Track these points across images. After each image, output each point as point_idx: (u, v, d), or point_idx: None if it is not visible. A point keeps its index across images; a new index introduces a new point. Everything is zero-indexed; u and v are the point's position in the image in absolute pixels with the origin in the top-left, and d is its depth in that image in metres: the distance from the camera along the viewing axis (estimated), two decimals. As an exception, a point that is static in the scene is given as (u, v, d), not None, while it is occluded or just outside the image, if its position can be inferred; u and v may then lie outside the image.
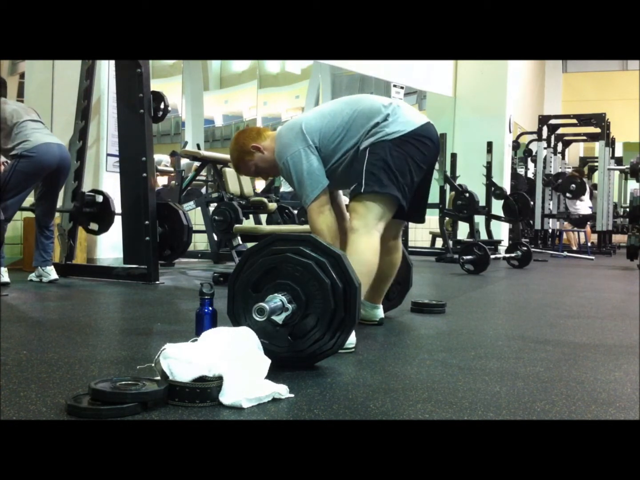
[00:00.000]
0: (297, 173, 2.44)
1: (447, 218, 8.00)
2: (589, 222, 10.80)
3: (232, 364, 1.61)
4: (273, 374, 1.72)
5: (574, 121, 10.77)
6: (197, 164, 5.68)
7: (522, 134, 12.46)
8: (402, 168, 2.40)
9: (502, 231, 9.50)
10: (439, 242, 8.61)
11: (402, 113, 2.46)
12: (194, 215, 5.56)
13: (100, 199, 4.65)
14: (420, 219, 2.74)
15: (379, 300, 2.80)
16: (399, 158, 2.40)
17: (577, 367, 2.15)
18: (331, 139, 2.46)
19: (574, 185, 10.24)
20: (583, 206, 10.83)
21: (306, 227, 4.94)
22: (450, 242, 7.77)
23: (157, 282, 4.31)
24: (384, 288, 2.79)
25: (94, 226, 4.72)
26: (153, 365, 1.64)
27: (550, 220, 10.51)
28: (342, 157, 2.47)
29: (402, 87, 9.32)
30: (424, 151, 2.46)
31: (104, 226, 4.66)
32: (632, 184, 14.59)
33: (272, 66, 10.87)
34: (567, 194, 10.34)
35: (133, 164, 4.35)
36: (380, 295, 2.80)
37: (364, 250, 2.34)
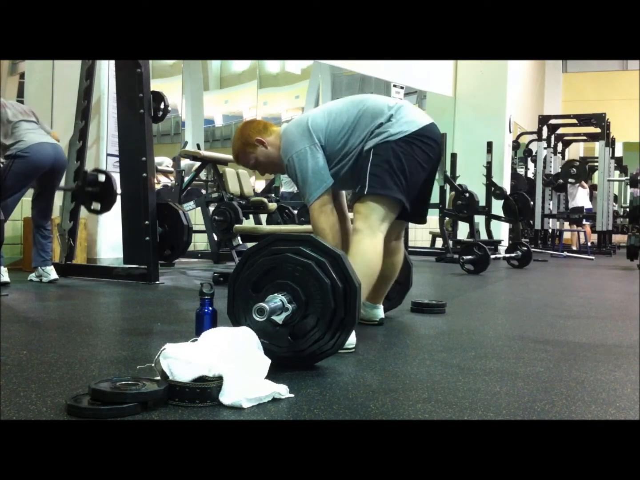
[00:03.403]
0: (302, 171, 2.43)
1: (447, 218, 8.00)
2: (588, 222, 10.80)
3: (232, 364, 1.61)
4: (273, 374, 1.72)
5: (574, 121, 10.78)
6: (197, 164, 5.69)
7: (522, 134, 12.46)
8: (405, 169, 2.40)
9: (502, 231, 9.50)
10: (439, 242, 8.61)
11: (405, 113, 2.45)
12: (194, 215, 5.56)
13: (102, 178, 4.61)
14: (422, 220, 2.70)
15: (379, 300, 2.80)
16: (402, 159, 2.39)
17: (577, 367, 2.15)
18: (337, 139, 2.46)
19: (574, 169, 10.19)
20: (582, 197, 10.81)
21: (306, 227, 4.96)
22: (450, 242, 7.77)
23: (157, 282, 4.31)
24: (385, 289, 2.79)
25: (96, 206, 4.67)
26: (153, 365, 1.64)
27: (550, 220, 10.51)
28: (346, 157, 2.46)
29: (402, 87, 9.32)
30: (427, 151, 2.46)
31: (106, 205, 4.60)
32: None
33: (272, 66, 10.85)
34: (570, 180, 10.28)
35: (133, 164, 4.35)
36: (380, 296, 2.80)
37: (368, 251, 2.33)
